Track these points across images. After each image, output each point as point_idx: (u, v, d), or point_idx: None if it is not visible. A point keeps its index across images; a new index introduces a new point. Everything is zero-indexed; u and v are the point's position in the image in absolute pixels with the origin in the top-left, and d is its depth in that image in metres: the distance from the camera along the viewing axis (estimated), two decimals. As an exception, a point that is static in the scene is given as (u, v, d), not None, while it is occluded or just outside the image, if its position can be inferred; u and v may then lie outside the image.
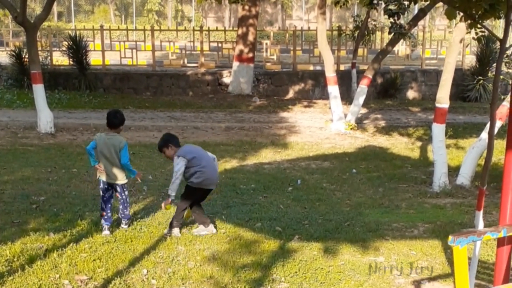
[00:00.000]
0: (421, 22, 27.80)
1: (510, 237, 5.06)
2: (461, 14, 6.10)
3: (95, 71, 23.76)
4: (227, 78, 24.28)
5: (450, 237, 4.44)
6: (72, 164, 12.41)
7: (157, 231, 7.95)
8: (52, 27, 30.17)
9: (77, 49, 23.11)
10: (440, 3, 15.33)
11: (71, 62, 23.54)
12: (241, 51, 23.64)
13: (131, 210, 8.86)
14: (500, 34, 5.82)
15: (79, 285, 6.21)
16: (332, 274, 6.65)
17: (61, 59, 24.74)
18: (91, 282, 6.29)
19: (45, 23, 24.99)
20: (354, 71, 23.37)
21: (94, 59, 24.62)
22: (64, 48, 23.93)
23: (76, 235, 7.68)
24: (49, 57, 24.33)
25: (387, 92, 24.80)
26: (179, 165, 7.65)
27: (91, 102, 20.77)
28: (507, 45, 5.69)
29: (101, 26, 25.86)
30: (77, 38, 23.40)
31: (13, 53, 22.87)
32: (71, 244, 7.29)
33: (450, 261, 6.89)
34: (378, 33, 28.06)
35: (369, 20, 23.68)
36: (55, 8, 67.00)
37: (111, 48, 26.28)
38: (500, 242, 5.10)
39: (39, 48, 20.61)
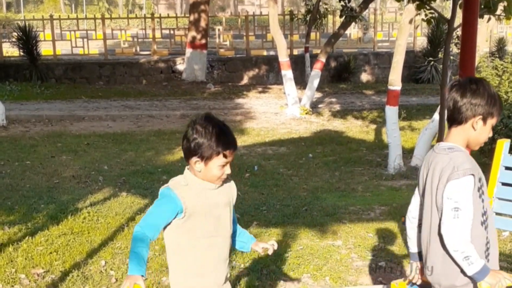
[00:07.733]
0: (372, 5, 27.96)
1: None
2: (410, -4, 6.16)
3: (46, 62, 23.41)
4: (180, 65, 24.16)
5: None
6: (26, 156, 12.19)
7: (114, 221, 7.85)
8: (1, 18, 29.67)
9: (27, 39, 22.75)
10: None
11: (22, 53, 23.18)
12: (194, 38, 23.51)
13: (87, 201, 8.78)
14: (449, 15, 5.88)
15: (36, 278, 6.13)
16: (291, 259, 6.67)
17: (11, 50, 24.39)
18: (48, 275, 6.21)
19: (-7, 14, 24.60)
20: (307, 55, 23.44)
21: (45, 49, 24.14)
22: (13, 39, 23.60)
23: (32, 228, 7.55)
24: (-2, 49, 23.90)
25: (341, 75, 24.95)
26: None
27: (43, 93, 20.48)
28: (455, 26, 5.75)
29: (51, 16, 25.53)
30: (27, 28, 23.08)
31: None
32: (27, 238, 7.17)
33: (407, 242, 6.97)
34: (330, 17, 28.23)
35: (320, 3, 23.74)
36: (3, -2, 65.81)
37: (62, 38, 25.86)
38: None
39: (-12, 40, 20.26)
